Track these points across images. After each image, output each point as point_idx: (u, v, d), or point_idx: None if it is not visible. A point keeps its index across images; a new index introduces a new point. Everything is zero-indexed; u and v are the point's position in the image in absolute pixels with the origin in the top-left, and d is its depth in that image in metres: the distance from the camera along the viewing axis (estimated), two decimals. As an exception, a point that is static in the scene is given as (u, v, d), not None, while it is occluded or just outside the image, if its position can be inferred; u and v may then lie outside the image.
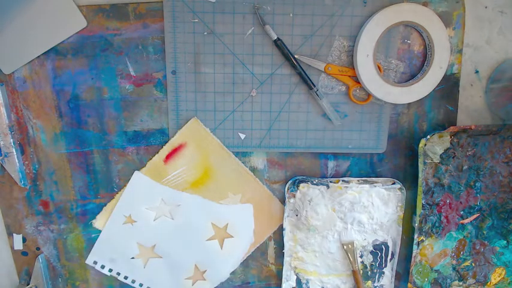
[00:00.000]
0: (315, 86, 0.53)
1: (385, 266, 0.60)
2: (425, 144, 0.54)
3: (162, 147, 0.55)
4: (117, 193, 0.57)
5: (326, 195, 0.56)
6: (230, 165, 0.56)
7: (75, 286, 0.61)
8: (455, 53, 0.54)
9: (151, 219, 0.57)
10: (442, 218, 0.57)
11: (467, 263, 0.59)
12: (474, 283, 0.60)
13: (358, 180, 0.56)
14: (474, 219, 0.58)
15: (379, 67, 0.53)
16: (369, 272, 0.60)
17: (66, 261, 0.60)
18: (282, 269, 0.59)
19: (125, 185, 0.56)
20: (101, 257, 0.58)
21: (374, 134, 0.56)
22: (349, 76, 0.53)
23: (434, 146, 0.55)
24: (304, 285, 0.60)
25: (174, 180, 0.56)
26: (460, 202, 0.57)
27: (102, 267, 0.59)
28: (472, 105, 0.56)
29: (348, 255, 0.58)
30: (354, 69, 0.53)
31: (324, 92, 0.54)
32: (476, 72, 0.55)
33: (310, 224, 0.56)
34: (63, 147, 0.55)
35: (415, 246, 0.57)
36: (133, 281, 0.59)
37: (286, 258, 0.59)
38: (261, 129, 0.55)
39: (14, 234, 0.58)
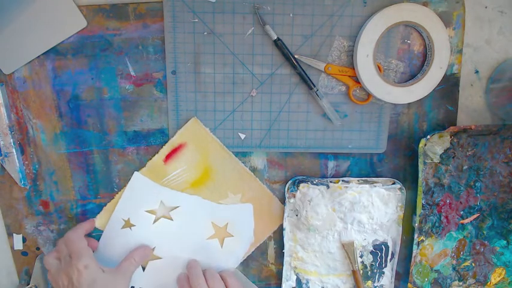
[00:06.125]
0: (315, 86, 0.53)
1: (385, 266, 0.60)
2: (425, 144, 0.54)
3: (162, 147, 0.55)
4: (117, 193, 0.57)
5: (326, 195, 0.56)
6: (230, 165, 0.56)
7: (75, 286, 0.61)
8: (455, 53, 0.54)
9: (151, 222, 0.56)
10: (442, 218, 0.57)
11: (467, 263, 0.59)
12: (474, 283, 0.60)
13: (358, 180, 0.56)
14: (474, 219, 0.58)
15: (379, 67, 0.53)
16: (369, 272, 0.60)
17: (66, 261, 0.60)
18: (282, 269, 0.59)
19: (125, 185, 0.56)
20: (101, 262, 0.58)
21: (374, 134, 0.56)
22: (349, 76, 0.53)
23: (434, 146, 0.55)
24: (304, 285, 0.60)
25: (174, 180, 0.56)
26: (460, 202, 0.57)
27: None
28: (472, 105, 0.56)
29: (348, 255, 0.58)
30: (354, 69, 0.53)
31: (324, 92, 0.54)
32: (476, 72, 0.55)
33: (310, 224, 0.56)
34: (63, 147, 0.55)
35: (415, 246, 0.57)
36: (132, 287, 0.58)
37: (286, 258, 0.59)
38: (261, 129, 0.55)
39: (14, 234, 0.58)
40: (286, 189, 0.56)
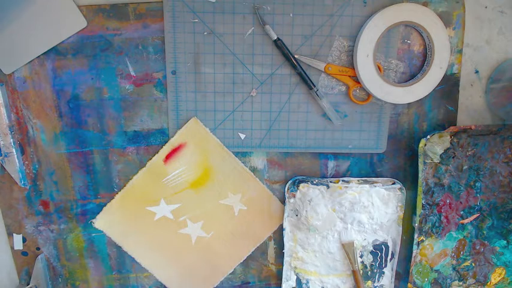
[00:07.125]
0: (315, 86, 0.53)
1: (385, 266, 0.60)
2: (425, 144, 0.54)
3: (162, 147, 0.55)
4: (117, 193, 0.57)
5: (326, 195, 0.56)
6: (230, 165, 0.56)
7: (75, 286, 0.61)
8: (455, 53, 0.54)
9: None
10: (442, 218, 0.57)
11: (467, 263, 0.59)
12: (474, 283, 0.60)
13: (358, 180, 0.56)
14: (474, 219, 0.58)
15: (379, 67, 0.53)
16: (369, 272, 0.60)
17: (66, 261, 0.60)
18: (282, 269, 0.59)
19: (125, 185, 0.56)
20: None
21: (374, 134, 0.56)
22: (349, 76, 0.53)
23: (434, 146, 0.55)
24: (304, 285, 0.60)
25: (174, 180, 0.56)
26: (460, 202, 0.57)
27: None
28: (472, 105, 0.56)
29: (348, 255, 0.58)
30: (354, 69, 0.53)
31: (324, 92, 0.54)
32: (476, 72, 0.55)
33: (310, 224, 0.56)
34: (63, 147, 0.55)
35: (415, 246, 0.57)
36: None
37: (286, 258, 0.59)
38: (261, 129, 0.55)
39: (14, 234, 0.58)
40: (286, 189, 0.56)
